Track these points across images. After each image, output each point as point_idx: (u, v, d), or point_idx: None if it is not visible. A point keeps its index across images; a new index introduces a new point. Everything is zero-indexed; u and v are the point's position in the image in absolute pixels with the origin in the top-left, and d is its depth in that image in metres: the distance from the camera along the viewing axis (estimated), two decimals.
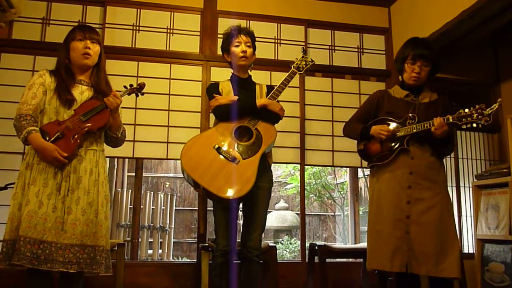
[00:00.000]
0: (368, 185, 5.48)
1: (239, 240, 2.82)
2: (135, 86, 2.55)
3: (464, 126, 2.47)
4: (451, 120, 2.48)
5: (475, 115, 2.42)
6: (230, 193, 2.50)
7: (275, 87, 2.82)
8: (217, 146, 2.61)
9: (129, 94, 2.54)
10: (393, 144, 2.68)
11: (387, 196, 2.67)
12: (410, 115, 2.66)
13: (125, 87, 2.53)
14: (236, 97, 2.75)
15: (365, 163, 4.24)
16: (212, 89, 2.86)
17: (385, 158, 2.69)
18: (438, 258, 2.50)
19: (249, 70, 2.96)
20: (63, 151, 2.23)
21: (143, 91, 2.59)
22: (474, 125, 2.43)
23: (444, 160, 2.76)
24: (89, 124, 2.32)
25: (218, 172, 2.54)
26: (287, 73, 2.88)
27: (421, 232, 2.55)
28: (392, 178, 2.67)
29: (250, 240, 2.69)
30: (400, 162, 2.65)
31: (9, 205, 2.26)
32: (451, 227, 2.57)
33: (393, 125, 2.70)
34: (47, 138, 2.24)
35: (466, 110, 2.46)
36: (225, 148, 2.61)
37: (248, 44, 2.85)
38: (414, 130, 2.59)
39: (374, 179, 2.80)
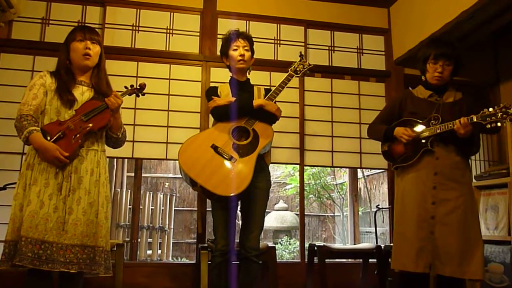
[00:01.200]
0: (370, 187, 5.46)
1: (238, 241, 2.82)
2: (136, 86, 2.56)
3: (489, 126, 2.43)
4: (475, 120, 2.45)
5: (499, 114, 2.39)
6: (227, 191, 2.51)
7: (273, 89, 2.84)
8: (214, 145, 2.63)
9: (129, 95, 2.54)
10: (417, 145, 2.66)
11: (412, 196, 2.66)
12: (434, 115, 2.64)
13: (125, 87, 2.53)
14: (233, 98, 2.78)
15: (364, 164, 4.29)
16: (210, 92, 2.91)
17: (410, 159, 2.68)
18: (463, 259, 2.48)
19: (247, 73, 2.99)
20: (64, 151, 2.23)
21: (144, 91, 2.59)
22: (499, 124, 2.40)
23: (469, 160, 2.74)
24: (90, 124, 2.32)
25: (215, 171, 2.55)
26: (285, 76, 2.91)
27: (446, 232, 2.53)
28: (417, 178, 2.65)
29: (248, 240, 2.69)
30: (424, 162, 2.64)
31: (9, 205, 2.26)
32: (475, 228, 2.56)
33: (416, 128, 2.68)
34: (48, 138, 2.24)
35: (490, 109, 2.43)
36: (222, 147, 2.63)
37: (246, 48, 2.88)
38: (438, 131, 2.57)
39: (399, 179, 2.79)
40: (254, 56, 3.03)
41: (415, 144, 2.67)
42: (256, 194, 2.71)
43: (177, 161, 2.69)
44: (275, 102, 2.82)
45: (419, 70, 2.84)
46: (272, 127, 2.83)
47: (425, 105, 2.73)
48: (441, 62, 2.67)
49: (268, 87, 3.04)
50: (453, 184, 2.60)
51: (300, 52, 3.09)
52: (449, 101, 2.73)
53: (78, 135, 2.28)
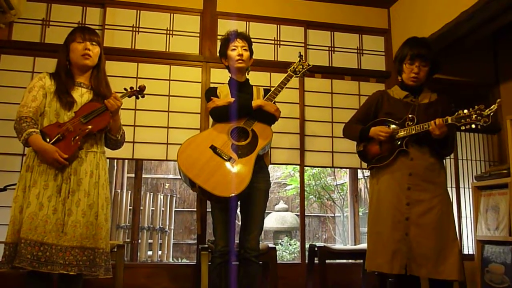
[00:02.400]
0: (368, 187, 5.47)
1: (238, 241, 2.82)
2: (135, 88, 2.55)
3: (463, 127, 2.45)
4: (450, 121, 2.47)
5: (474, 116, 2.40)
6: (226, 191, 2.51)
7: (272, 90, 2.84)
8: (213, 146, 2.63)
9: (129, 97, 2.54)
10: (392, 145, 2.67)
11: (387, 197, 2.66)
12: (409, 116, 2.65)
13: (125, 89, 2.53)
14: (232, 99, 2.79)
15: (364, 164, 4.27)
16: (209, 93, 2.91)
17: (384, 159, 2.69)
18: (438, 260, 2.49)
19: (246, 74, 2.99)
20: (64, 153, 2.23)
21: (143, 93, 2.59)
22: (473, 126, 2.41)
23: (444, 161, 2.76)
24: (89, 126, 2.32)
25: (213, 171, 2.56)
26: (284, 76, 2.91)
27: (420, 234, 2.54)
28: (392, 179, 2.66)
29: (248, 241, 2.70)
30: (399, 163, 2.65)
31: (9, 206, 2.26)
32: (450, 228, 2.56)
33: (392, 127, 2.69)
34: (48, 140, 2.24)
35: (465, 111, 2.44)
36: (221, 148, 2.63)
37: (244, 48, 2.89)
38: (413, 132, 2.58)
39: (374, 180, 2.80)
40: (254, 57, 3.04)
41: (390, 144, 2.67)
42: (256, 195, 2.71)
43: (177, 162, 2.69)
44: (274, 103, 2.82)
45: (395, 71, 2.85)
46: (271, 127, 2.83)
47: (401, 106, 2.73)
48: (417, 63, 2.67)
49: (268, 88, 3.04)
50: (427, 185, 2.60)
51: (300, 53, 3.10)
52: (424, 102, 2.73)
53: (77, 137, 2.28)
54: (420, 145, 2.64)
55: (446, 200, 2.62)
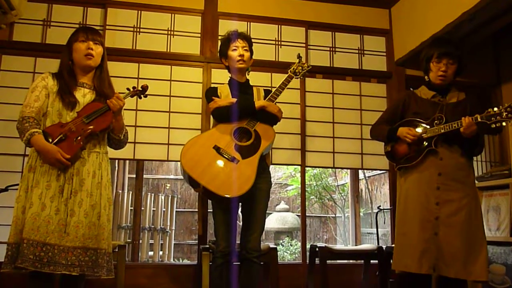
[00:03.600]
0: (372, 188, 5.43)
1: (239, 242, 2.82)
2: (138, 88, 2.55)
3: (493, 125, 2.42)
4: (479, 120, 2.44)
5: (504, 114, 2.37)
6: (230, 192, 2.51)
7: (273, 90, 2.84)
8: (216, 146, 2.64)
9: (132, 96, 2.54)
10: (420, 145, 2.65)
11: (415, 197, 2.64)
12: (438, 115, 2.63)
13: (128, 89, 2.53)
14: (234, 99, 2.79)
15: (365, 165, 4.28)
16: (210, 93, 2.91)
17: (413, 159, 2.66)
18: (467, 260, 2.47)
19: (247, 74, 2.99)
20: (66, 153, 2.23)
21: (146, 93, 2.59)
22: (504, 123, 2.39)
23: (472, 161, 2.72)
24: (91, 126, 2.32)
25: (217, 172, 2.56)
26: (285, 77, 2.91)
27: (450, 233, 2.51)
28: (420, 179, 2.64)
29: (249, 241, 2.70)
30: (428, 163, 2.62)
31: (11, 207, 2.26)
32: (479, 229, 2.55)
33: (419, 128, 2.67)
34: (50, 140, 2.24)
35: (495, 109, 2.41)
36: (224, 148, 2.63)
37: (245, 48, 2.89)
38: (442, 131, 2.56)
39: (402, 179, 2.77)
40: (255, 57, 3.04)
41: (419, 144, 2.65)
42: (257, 195, 2.71)
43: (178, 162, 2.69)
44: (275, 103, 2.82)
45: (422, 70, 2.82)
46: (273, 128, 2.83)
47: (429, 106, 2.71)
48: (444, 60, 2.65)
49: (268, 88, 3.04)
50: (457, 185, 2.58)
51: (298, 54, 3.09)
52: (452, 101, 2.71)
53: (79, 138, 2.28)
54: (449, 144, 2.61)
55: (475, 200, 2.60)
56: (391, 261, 2.74)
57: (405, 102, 2.82)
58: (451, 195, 2.56)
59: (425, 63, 2.75)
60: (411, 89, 2.89)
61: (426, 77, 2.78)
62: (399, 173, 2.83)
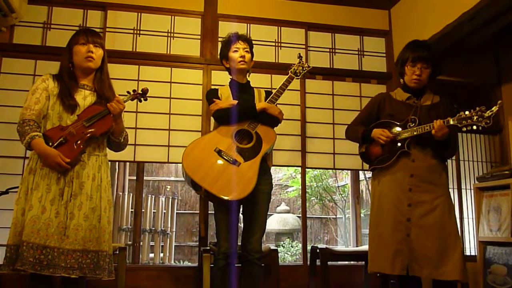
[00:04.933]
0: (370, 188, 5.44)
1: (240, 243, 2.82)
2: (138, 91, 2.55)
3: (465, 129, 2.45)
4: (451, 122, 2.47)
5: (475, 118, 2.40)
6: (232, 194, 2.52)
7: (274, 92, 2.84)
8: (218, 149, 2.64)
9: (132, 100, 2.55)
10: (394, 147, 2.67)
11: (388, 198, 2.67)
12: (411, 117, 2.65)
13: (128, 92, 2.54)
14: (235, 101, 2.79)
15: (366, 166, 4.26)
16: (211, 94, 2.91)
17: (386, 161, 2.69)
18: (440, 261, 2.49)
19: (247, 76, 2.99)
20: (66, 157, 2.23)
21: (146, 96, 2.59)
22: (474, 127, 2.42)
23: (446, 162, 2.75)
24: (92, 130, 2.32)
25: (219, 175, 2.56)
26: (285, 78, 2.91)
27: (422, 234, 2.54)
28: (393, 180, 2.67)
29: (250, 243, 2.70)
30: (401, 164, 2.65)
31: (11, 209, 2.26)
32: (452, 229, 2.56)
33: (393, 130, 2.69)
34: (50, 144, 2.24)
35: (467, 112, 2.44)
36: (226, 151, 2.63)
37: (246, 50, 2.89)
38: (415, 133, 2.59)
39: (375, 181, 2.80)
40: (255, 59, 3.04)
41: (392, 146, 2.68)
42: (258, 197, 2.71)
43: (179, 164, 2.70)
44: (276, 105, 2.82)
45: (398, 73, 2.85)
46: (274, 130, 2.83)
47: (403, 108, 2.74)
48: (419, 65, 2.68)
49: (269, 90, 3.04)
50: (429, 186, 2.61)
51: (299, 54, 3.09)
52: (426, 104, 2.74)
53: (80, 141, 2.28)
54: (422, 146, 2.64)
55: (448, 201, 2.62)
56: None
57: (380, 103, 2.85)
58: (422, 197, 2.59)
59: (400, 66, 2.79)
60: (389, 91, 2.91)
61: (401, 80, 2.82)
62: (372, 175, 2.86)
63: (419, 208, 2.58)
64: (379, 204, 2.72)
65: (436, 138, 2.53)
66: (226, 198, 2.51)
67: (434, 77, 2.77)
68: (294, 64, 2.99)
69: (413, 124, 2.62)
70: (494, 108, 2.38)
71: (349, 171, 5.37)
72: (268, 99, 2.82)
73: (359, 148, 2.92)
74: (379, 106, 2.84)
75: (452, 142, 2.64)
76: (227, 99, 2.84)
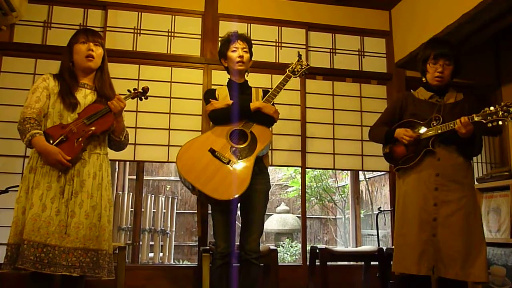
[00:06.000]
0: (372, 189, 5.42)
1: (239, 243, 2.82)
2: (139, 90, 2.56)
3: (490, 125, 2.41)
4: (476, 119, 2.43)
5: (500, 113, 2.36)
6: (225, 194, 2.51)
7: (270, 91, 2.83)
8: (212, 149, 2.63)
9: (132, 98, 2.55)
10: (418, 146, 2.64)
11: (413, 198, 2.63)
12: (435, 116, 2.61)
13: (129, 91, 2.54)
14: (231, 101, 2.78)
15: (366, 166, 4.28)
16: (208, 95, 2.90)
17: (411, 160, 2.65)
18: (466, 262, 2.46)
19: (245, 75, 2.98)
20: (67, 154, 2.23)
21: (147, 95, 2.59)
22: (500, 122, 2.37)
23: (472, 161, 2.71)
24: (93, 128, 2.33)
25: (213, 175, 2.55)
26: (282, 77, 2.88)
27: (448, 234, 2.50)
28: (418, 180, 2.63)
29: (248, 243, 2.69)
30: (426, 164, 2.61)
31: (11, 208, 2.26)
32: (478, 229, 2.53)
33: (418, 128, 2.66)
34: (51, 141, 2.24)
35: (492, 108, 2.40)
36: (220, 151, 2.63)
37: (245, 50, 2.88)
38: (439, 131, 2.54)
39: (400, 181, 2.76)
40: (256, 59, 3.03)
41: (417, 145, 2.64)
42: (256, 197, 2.70)
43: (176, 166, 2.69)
44: (273, 104, 2.81)
45: (419, 72, 2.82)
46: (270, 129, 2.82)
47: (426, 106, 2.71)
48: (441, 61, 2.64)
49: (267, 89, 3.03)
50: (455, 185, 2.57)
51: (298, 52, 3.07)
52: (450, 102, 2.70)
53: (80, 139, 2.28)
54: (447, 145, 2.60)
55: (474, 200, 2.59)
56: (391, 263, 2.73)
57: (402, 103, 2.82)
58: (449, 196, 2.55)
59: (421, 64, 2.74)
60: (411, 90, 2.89)
61: (423, 78, 2.77)
62: (397, 175, 2.82)
63: (446, 208, 2.53)
64: (404, 204, 2.68)
65: (461, 136, 2.49)
66: (218, 198, 2.50)
67: (456, 74, 2.72)
68: (292, 62, 2.98)
69: (437, 123, 2.58)
70: None
71: (349, 172, 5.37)
72: (264, 98, 2.81)
73: (383, 148, 2.88)
74: (402, 106, 2.80)
75: (477, 139, 2.60)
76: (224, 99, 2.83)
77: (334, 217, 7.34)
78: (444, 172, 2.58)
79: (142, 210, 4.87)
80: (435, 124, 2.60)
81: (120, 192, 5.15)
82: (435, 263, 2.51)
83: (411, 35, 4.13)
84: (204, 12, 4.16)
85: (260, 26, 4.27)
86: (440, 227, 2.53)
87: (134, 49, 3.99)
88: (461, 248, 2.47)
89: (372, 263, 3.71)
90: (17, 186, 2.32)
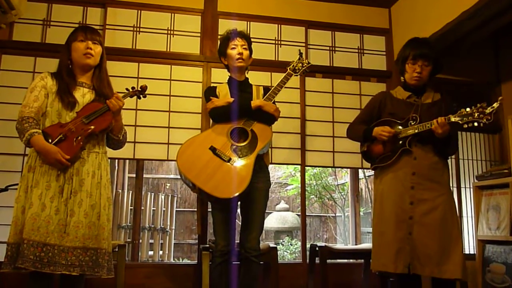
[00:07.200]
0: (369, 186, 5.42)
1: (239, 241, 2.82)
2: (137, 88, 2.56)
3: (466, 126, 2.44)
4: (452, 120, 2.46)
5: (476, 114, 2.39)
6: (225, 193, 2.51)
7: (271, 89, 2.83)
8: (212, 147, 2.63)
9: (131, 97, 2.55)
10: (395, 145, 2.67)
11: (390, 197, 2.66)
12: (412, 115, 2.65)
13: (127, 89, 2.54)
14: (231, 99, 2.78)
15: (365, 164, 4.25)
16: (208, 92, 2.90)
17: (388, 159, 2.69)
18: (441, 259, 2.49)
19: (246, 73, 2.98)
20: (66, 154, 2.23)
21: (145, 93, 2.59)
22: (476, 124, 2.40)
23: (447, 160, 2.75)
24: (91, 127, 2.33)
25: (213, 173, 2.55)
26: (283, 75, 2.89)
27: (424, 233, 2.54)
28: (395, 178, 2.66)
29: (248, 241, 2.69)
30: (402, 163, 2.65)
31: (10, 206, 2.26)
32: (454, 228, 2.56)
33: (395, 128, 2.69)
34: (50, 140, 2.24)
35: (468, 109, 2.43)
36: (220, 149, 2.63)
37: (244, 47, 2.88)
38: (416, 131, 2.58)
39: (377, 180, 2.80)
40: (255, 57, 3.03)
41: (393, 144, 2.68)
42: (256, 195, 2.71)
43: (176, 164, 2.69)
44: (273, 102, 2.81)
45: (398, 71, 2.84)
46: (271, 127, 2.82)
47: (404, 106, 2.74)
48: (420, 62, 2.68)
49: (268, 86, 3.03)
50: (431, 184, 2.60)
51: (299, 50, 3.08)
52: (427, 102, 2.74)
53: (79, 138, 2.28)
54: (423, 144, 2.64)
55: (450, 199, 2.62)
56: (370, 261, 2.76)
57: (381, 102, 2.85)
58: (425, 195, 2.59)
59: (400, 64, 2.78)
60: (389, 90, 2.91)
61: (401, 78, 2.81)
62: (375, 174, 2.86)
63: (421, 206, 2.57)
64: (381, 202, 2.72)
65: (437, 136, 2.53)
66: (218, 196, 2.50)
67: (434, 74, 2.76)
68: (293, 61, 2.98)
69: (414, 122, 2.62)
70: (495, 105, 2.37)
71: (349, 169, 5.37)
72: (265, 96, 2.81)
73: (361, 147, 2.92)
74: (380, 105, 2.84)
75: (453, 139, 2.64)
76: (225, 96, 2.83)
77: (333, 215, 7.35)
78: (420, 171, 2.61)
79: (142, 208, 4.88)
80: (412, 123, 2.64)
81: (120, 190, 5.15)
82: (411, 261, 2.55)
83: (411, 32, 4.11)
84: (203, 10, 4.15)
85: (260, 24, 4.26)
86: (416, 226, 2.56)
87: (134, 47, 3.98)
88: (436, 246, 2.51)
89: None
90: (17, 184, 2.31)
